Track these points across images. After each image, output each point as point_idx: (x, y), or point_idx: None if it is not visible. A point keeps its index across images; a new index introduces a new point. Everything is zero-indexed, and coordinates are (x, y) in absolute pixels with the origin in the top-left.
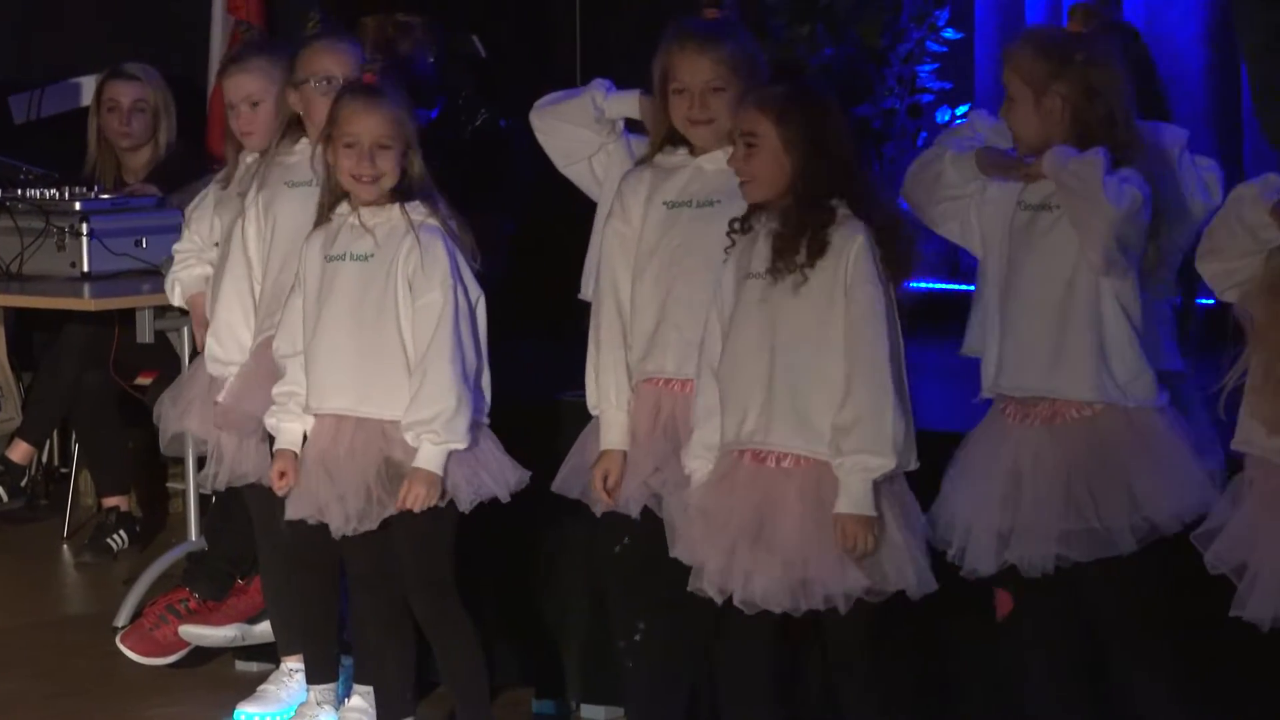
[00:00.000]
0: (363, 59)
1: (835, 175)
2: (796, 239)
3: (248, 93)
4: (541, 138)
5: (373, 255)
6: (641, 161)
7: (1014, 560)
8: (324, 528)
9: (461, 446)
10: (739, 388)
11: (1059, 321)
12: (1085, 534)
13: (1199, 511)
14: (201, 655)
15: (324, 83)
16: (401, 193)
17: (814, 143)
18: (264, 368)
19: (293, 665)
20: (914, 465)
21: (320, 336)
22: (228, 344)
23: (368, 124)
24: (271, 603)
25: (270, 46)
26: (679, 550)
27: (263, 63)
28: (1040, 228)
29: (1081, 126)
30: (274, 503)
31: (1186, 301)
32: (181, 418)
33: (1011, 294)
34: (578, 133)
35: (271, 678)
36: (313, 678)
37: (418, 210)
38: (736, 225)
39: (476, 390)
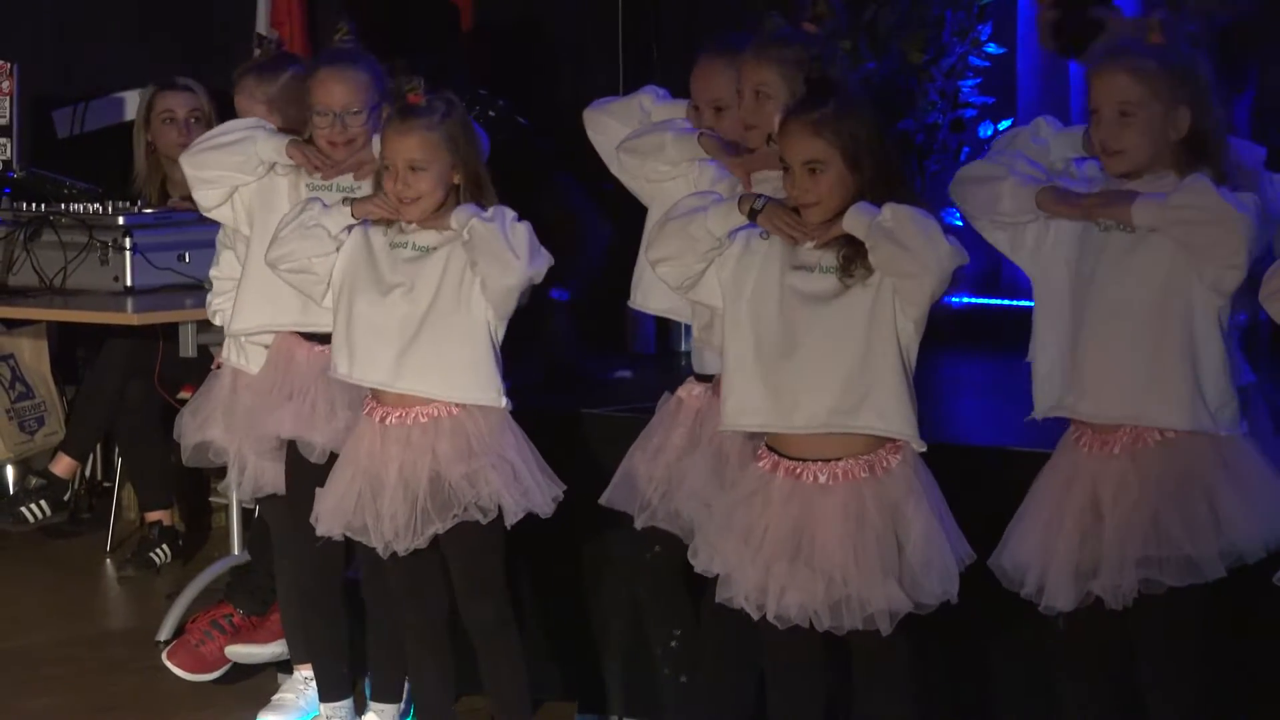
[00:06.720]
0: (380, 84)
1: (893, 183)
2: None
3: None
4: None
5: (437, 248)
6: None
7: (1098, 592)
8: (331, 544)
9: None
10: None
11: (1150, 345)
12: (1172, 561)
13: None
14: (244, 670)
15: (325, 115)
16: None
17: (875, 155)
18: (274, 380)
19: (305, 674)
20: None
21: (373, 316)
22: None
23: (400, 146)
24: (284, 613)
25: (292, 60)
26: (703, 561)
27: (285, 78)
28: (1123, 247)
29: (1196, 139)
30: (291, 515)
31: (1252, 316)
32: (203, 428)
33: (1091, 315)
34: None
35: (286, 685)
36: (325, 695)
37: (467, 210)
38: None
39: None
